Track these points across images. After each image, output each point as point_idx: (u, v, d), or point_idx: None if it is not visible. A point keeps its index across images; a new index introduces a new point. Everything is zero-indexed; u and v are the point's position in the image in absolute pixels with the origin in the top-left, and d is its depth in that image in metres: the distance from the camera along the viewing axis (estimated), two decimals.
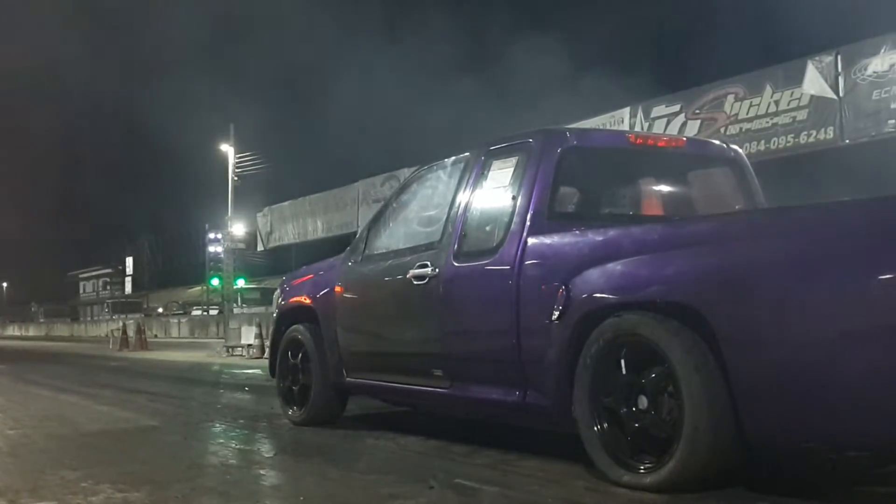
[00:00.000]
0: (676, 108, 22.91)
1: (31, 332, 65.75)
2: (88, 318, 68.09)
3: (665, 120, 23.02)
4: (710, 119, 21.85)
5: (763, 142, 20.61)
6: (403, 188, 6.53)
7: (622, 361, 4.13)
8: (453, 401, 5.53)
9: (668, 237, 4.22)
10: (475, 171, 5.44)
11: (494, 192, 5.24)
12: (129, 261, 75.02)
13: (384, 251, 6.20)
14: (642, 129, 23.16)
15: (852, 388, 3.19)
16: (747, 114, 20.94)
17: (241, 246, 38.42)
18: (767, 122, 20.51)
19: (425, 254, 5.56)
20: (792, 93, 19.92)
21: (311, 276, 7.21)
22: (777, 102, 20.28)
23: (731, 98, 21.45)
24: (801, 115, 19.76)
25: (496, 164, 5.32)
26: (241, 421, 7.58)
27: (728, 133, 21.29)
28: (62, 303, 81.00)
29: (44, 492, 4.63)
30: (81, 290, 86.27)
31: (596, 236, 4.53)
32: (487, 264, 5.03)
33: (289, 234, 37.45)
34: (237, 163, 37.12)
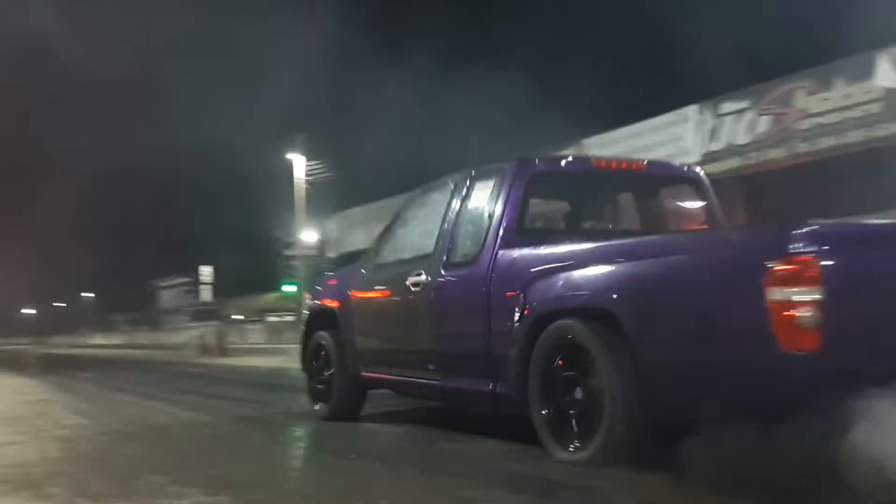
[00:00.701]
0: (745, 104, 22.41)
1: (115, 340, 67.87)
2: (168, 327, 69.89)
3: (733, 117, 22.56)
4: (780, 115, 21.31)
5: (835, 136, 20.03)
6: (407, 204, 7.27)
7: (561, 359, 4.89)
8: (443, 392, 6.32)
9: (596, 253, 4.96)
10: (462, 192, 6.21)
11: (476, 211, 6.00)
12: (206, 269, 76.75)
13: (390, 261, 7.01)
14: (710, 126, 22.78)
15: (716, 375, 4.03)
16: (818, 108, 20.37)
17: (313, 252, 38.96)
18: (839, 117, 19.92)
19: (421, 263, 6.34)
20: (864, 86, 19.31)
21: (334, 281, 8.15)
22: (849, 96, 19.68)
23: (800, 93, 20.89)
24: (875, 107, 19.13)
25: (478, 185, 6.09)
26: (319, 424, 7.67)
27: (799, 128, 20.75)
28: (143, 312, 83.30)
29: (135, 496, 4.77)
30: (161, 300, 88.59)
31: (547, 251, 5.33)
32: (467, 274, 5.82)
33: (358, 240, 37.84)
34: (307, 171, 37.68)
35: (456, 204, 6.23)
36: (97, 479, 5.29)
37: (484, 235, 5.77)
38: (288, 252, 42.32)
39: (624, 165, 6.62)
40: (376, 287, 7.09)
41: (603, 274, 4.72)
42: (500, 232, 5.64)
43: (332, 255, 39.52)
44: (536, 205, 6.27)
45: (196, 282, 78.27)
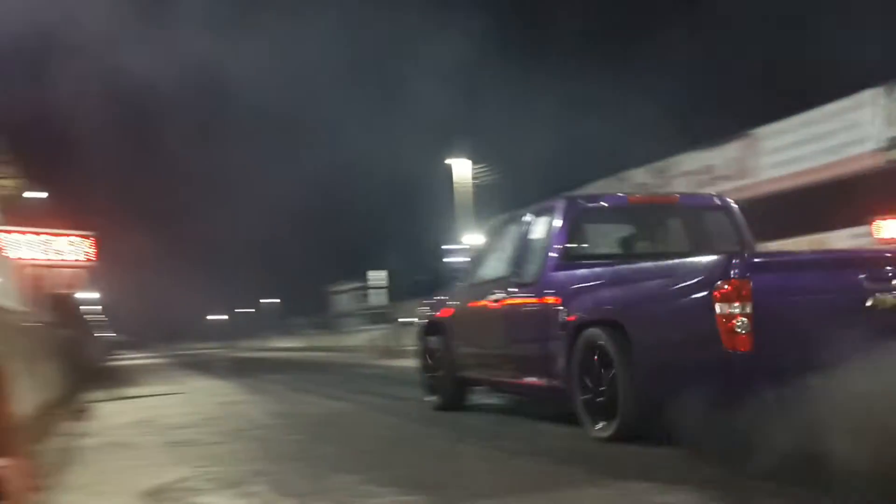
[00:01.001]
0: None
1: (296, 343, 71.10)
2: (344, 330, 72.46)
3: None
4: None
5: None
6: (492, 232, 8.94)
7: (593, 359, 6.18)
8: (518, 388, 7.80)
9: (612, 276, 6.46)
10: (527, 224, 7.71)
11: (536, 241, 7.46)
12: (379, 274, 79.06)
13: (479, 281, 8.48)
14: (891, 110, 21.06)
15: (683, 369, 5.40)
16: None
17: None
18: None
19: (499, 283, 7.84)
20: None
21: (444, 297, 9.41)
22: None
23: None
24: None
25: (539, 220, 7.54)
26: (501, 426, 7.68)
27: None
28: (321, 316, 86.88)
29: (330, 494, 4.94)
30: (336, 304, 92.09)
31: (582, 274, 6.77)
32: (529, 292, 7.30)
33: None
34: (473, 174, 38.05)
35: (522, 234, 7.72)
36: (295, 478, 5.52)
37: (541, 261, 7.25)
38: (450, 256, 42.84)
39: (657, 199, 8.57)
40: (469, 302, 8.61)
41: (615, 292, 6.27)
42: (551, 258, 7.13)
43: None
44: (583, 234, 7.66)
45: (366, 286, 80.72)
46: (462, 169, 38.26)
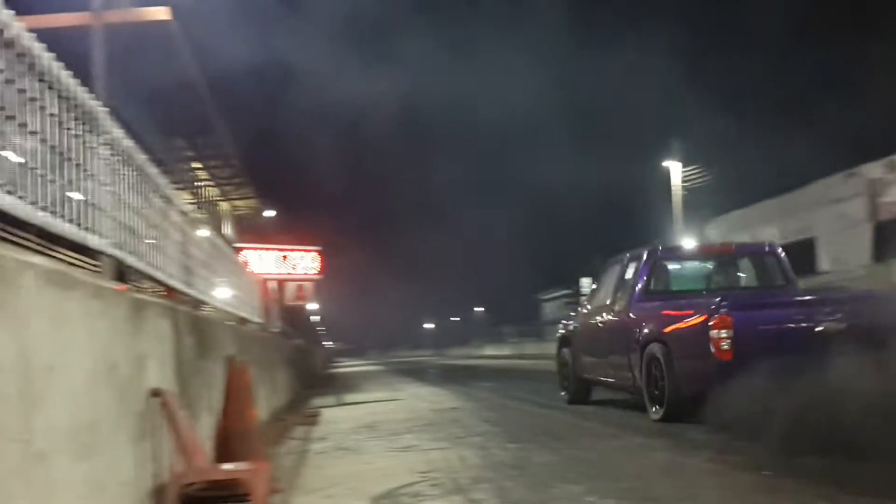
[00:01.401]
0: None
1: (504, 351, 71.94)
2: (551, 337, 72.31)
3: None
4: None
5: None
6: (600, 271, 11.79)
7: (653, 365, 8.79)
8: (614, 384, 10.44)
9: (663, 307, 9.29)
10: (623, 266, 10.48)
11: (628, 279, 10.12)
12: (585, 281, 78.21)
13: (592, 307, 11.46)
14: None
15: (696, 372, 8.11)
16: None
17: None
18: None
19: (604, 309, 10.79)
20: None
21: (571, 320, 12.38)
22: None
23: None
24: None
25: (631, 263, 10.25)
26: (718, 435, 7.30)
27: None
28: (528, 324, 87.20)
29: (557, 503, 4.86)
30: (544, 312, 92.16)
31: (653, 305, 9.48)
32: (621, 317, 10.01)
33: None
34: (684, 177, 36.81)
35: (620, 273, 10.50)
36: (517, 486, 5.52)
37: (630, 295, 9.98)
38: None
39: (718, 249, 11.39)
40: (584, 323, 11.56)
41: (665, 320, 8.97)
42: (636, 294, 9.86)
43: None
44: (662, 275, 10.35)
45: (577, 293, 79.98)
46: (673, 171, 37.06)
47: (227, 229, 34.02)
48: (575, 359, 11.62)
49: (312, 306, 36.77)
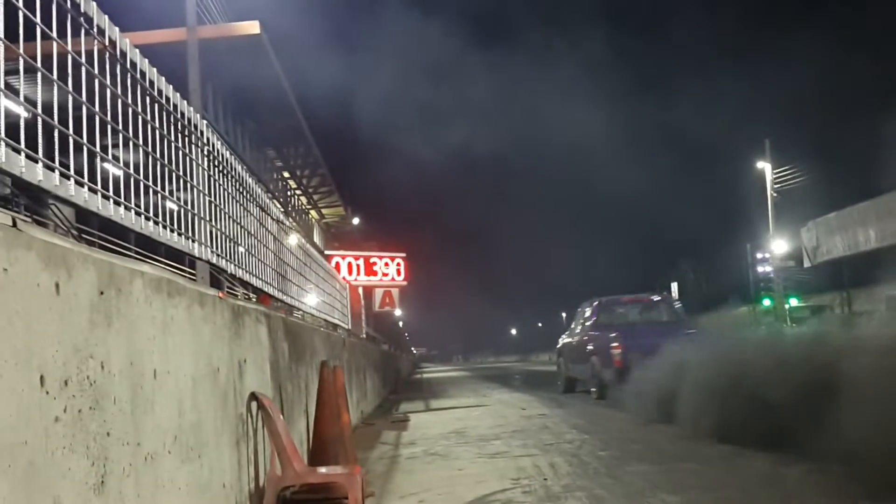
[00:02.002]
0: None
1: None
2: None
3: None
4: None
5: None
6: (577, 311, 18.81)
7: (594, 368, 15.72)
8: (583, 380, 16.78)
9: (600, 335, 15.84)
10: (585, 309, 17.81)
11: (587, 317, 17.35)
12: (674, 286, 76.75)
13: (571, 332, 18.50)
14: None
15: (609, 371, 14.73)
16: None
17: (790, 263, 36.53)
18: None
19: (575, 332, 18.08)
20: None
21: (565, 337, 19.32)
22: None
23: None
24: None
25: (588, 308, 17.51)
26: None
27: None
28: None
29: None
30: None
31: (595, 334, 16.12)
32: (582, 339, 16.99)
33: (837, 248, 34.55)
34: (775, 178, 35.74)
35: (583, 313, 17.68)
36: (612, 496, 5.42)
37: (585, 327, 17.06)
38: (762, 265, 40.27)
39: (637, 299, 17.36)
40: (568, 342, 18.28)
41: (598, 343, 15.57)
42: (588, 326, 16.88)
43: (808, 265, 36.70)
44: (608, 314, 16.67)
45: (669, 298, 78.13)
46: (766, 174, 36.01)
47: (316, 237, 34.65)
48: (564, 364, 18.37)
49: (399, 312, 37.09)
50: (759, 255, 40.88)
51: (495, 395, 19.52)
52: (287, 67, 20.93)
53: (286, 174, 28.67)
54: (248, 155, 22.82)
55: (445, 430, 10.74)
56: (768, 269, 39.04)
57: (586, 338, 16.33)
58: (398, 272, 22.88)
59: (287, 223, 7.12)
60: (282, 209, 25.19)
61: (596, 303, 16.98)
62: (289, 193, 29.52)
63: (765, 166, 35.99)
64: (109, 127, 3.01)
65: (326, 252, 23.06)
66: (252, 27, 17.77)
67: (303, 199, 32.14)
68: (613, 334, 14.70)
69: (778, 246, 37.20)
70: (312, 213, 34.69)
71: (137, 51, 3.37)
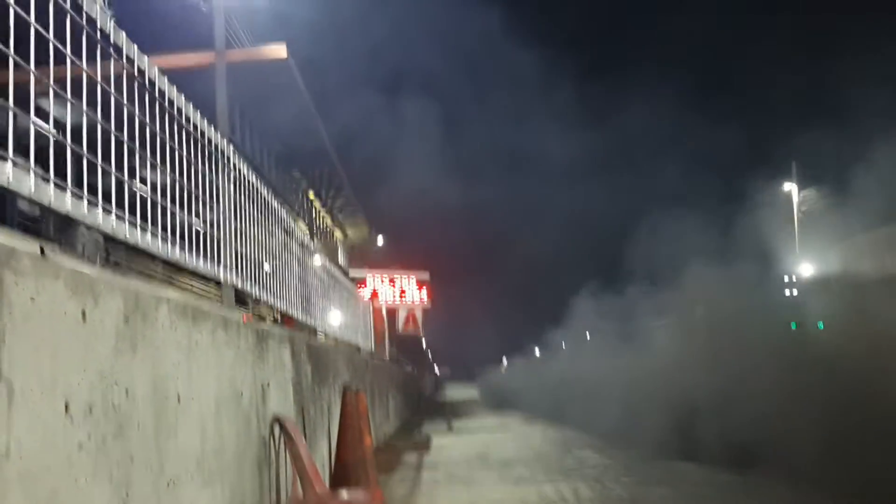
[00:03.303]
0: None
1: None
2: None
3: None
4: None
5: None
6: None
7: None
8: None
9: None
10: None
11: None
12: None
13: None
14: None
15: None
16: None
17: (815, 287, 36.03)
18: None
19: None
20: None
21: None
22: None
23: None
24: None
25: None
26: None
27: None
28: None
29: None
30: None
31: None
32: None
33: (866, 270, 34.12)
34: (802, 199, 35.37)
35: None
36: None
37: None
38: (790, 289, 39.67)
39: None
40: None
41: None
42: None
43: (838, 288, 35.98)
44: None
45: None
46: (792, 195, 35.68)
47: (340, 256, 34.79)
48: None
49: (421, 332, 37.10)
50: (786, 280, 40.26)
51: (518, 415, 19.40)
52: (313, 89, 21.12)
53: (311, 194, 28.86)
54: (274, 175, 22.98)
55: (467, 453, 10.68)
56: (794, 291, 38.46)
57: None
58: (421, 291, 22.87)
59: (311, 246, 7.15)
60: (306, 230, 25.26)
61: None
62: (314, 213, 29.71)
63: (791, 187, 35.67)
64: (137, 153, 3.05)
65: (351, 273, 23.17)
66: (279, 51, 17.93)
67: (327, 218, 32.32)
68: None
69: (805, 269, 36.76)
70: (337, 232, 34.86)
71: (165, 78, 3.41)
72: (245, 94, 18.33)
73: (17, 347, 2.03)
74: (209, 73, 15.16)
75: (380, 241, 39.30)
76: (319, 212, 30.96)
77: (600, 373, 16.55)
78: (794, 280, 37.11)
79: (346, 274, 23.43)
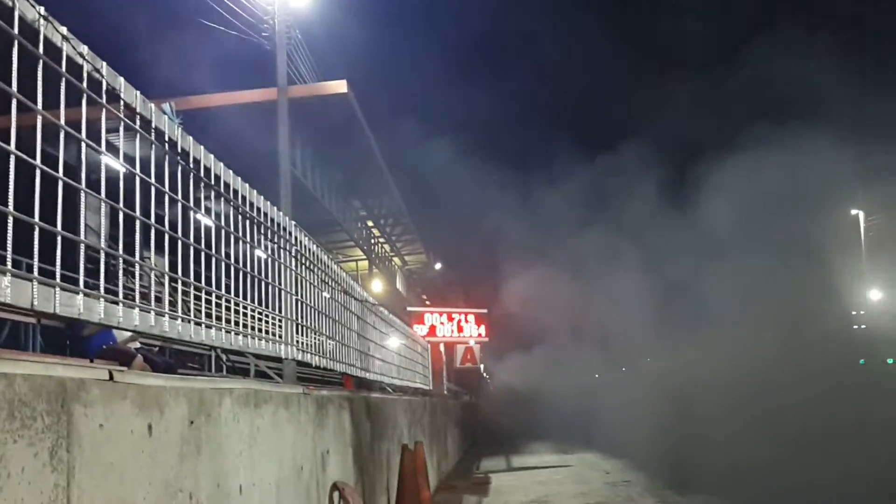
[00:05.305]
0: None
1: None
2: None
3: None
4: None
5: None
6: None
7: None
8: None
9: None
10: None
11: None
12: None
13: None
14: None
15: None
16: None
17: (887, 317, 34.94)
18: None
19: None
20: None
21: None
22: None
23: None
24: None
25: None
26: None
27: None
28: None
29: None
30: None
31: None
32: None
33: None
34: (869, 224, 34.38)
35: None
36: None
37: None
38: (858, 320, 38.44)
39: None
40: None
41: None
42: None
43: None
44: None
45: None
46: (859, 220, 34.74)
47: (399, 283, 35.00)
48: None
49: (479, 363, 37.00)
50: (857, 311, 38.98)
51: (578, 452, 19.14)
52: (373, 121, 21.38)
53: (370, 223, 29.19)
54: (334, 206, 23.31)
55: (527, 497, 10.58)
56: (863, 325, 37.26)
57: None
58: (480, 327, 22.88)
59: (370, 301, 7.20)
60: (362, 257, 25.31)
61: None
62: (372, 241, 30.03)
63: (858, 213, 34.71)
64: (203, 257, 3.12)
65: (408, 309, 23.28)
66: (340, 86, 18.23)
67: (386, 246, 32.65)
68: None
69: (873, 294, 35.66)
70: (395, 259, 35.15)
71: (231, 172, 3.48)
72: (307, 128, 18.66)
73: (85, 479, 2.09)
74: (273, 106, 15.49)
75: (438, 266, 39.45)
76: (378, 238, 31.26)
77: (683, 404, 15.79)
78: (862, 312, 35.98)
79: (404, 309, 23.58)
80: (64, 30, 2.26)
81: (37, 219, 2.12)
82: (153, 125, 2.69)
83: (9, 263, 2.01)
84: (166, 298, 2.76)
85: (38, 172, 2.15)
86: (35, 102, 2.12)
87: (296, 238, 4.44)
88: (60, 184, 2.24)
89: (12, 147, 2.04)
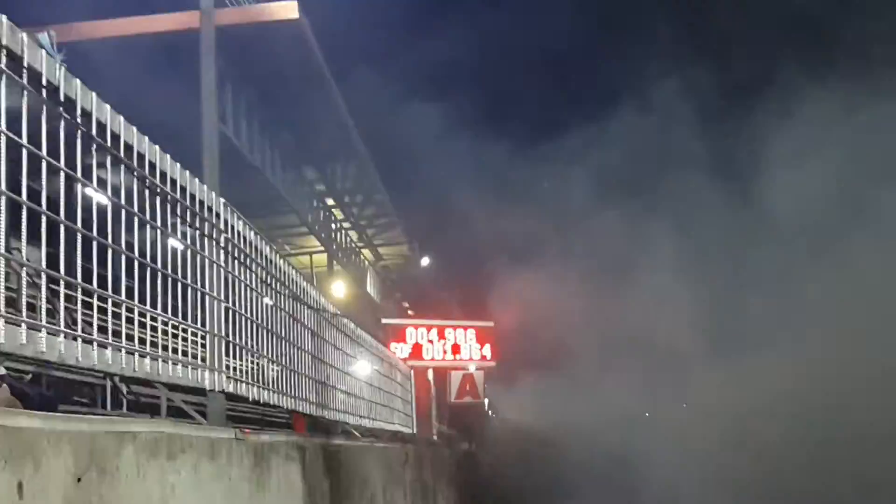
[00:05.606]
0: None
1: None
2: None
3: None
4: None
5: None
6: None
7: None
8: None
9: None
10: None
11: None
12: None
13: None
14: None
15: None
16: None
17: None
18: None
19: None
20: None
21: None
22: None
23: None
24: None
25: None
26: None
27: None
28: None
29: None
30: None
31: None
32: None
33: None
34: None
35: None
36: None
37: None
38: None
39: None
40: None
41: None
42: None
43: None
44: None
45: None
46: None
47: (370, 286, 34.96)
48: None
49: (482, 397, 37.01)
50: None
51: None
52: (336, 61, 21.31)
53: (330, 201, 28.96)
54: (280, 177, 23.23)
55: None
56: None
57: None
58: (483, 347, 22.64)
59: (330, 309, 7.21)
60: (319, 248, 25.33)
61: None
62: (333, 227, 29.84)
63: None
64: (96, 248, 3.12)
65: (384, 321, 23.19)
66: (289, 9, 18.16)
67: (352, 233, 32.43)
68: None
69: None
70: (365, 252, 35.00)
71: (134, 130, 3.47)
72: (242, 68, 18.60)
73: None
74: (194, 39, 15.42)
75: (425, 261, 39.22)
76: (342, 223, 31.11)
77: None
78: None
79: (376, 313, 23.48)
80: None
81: None
82: (25, 63, 2.69)
83: None
84: (43, 306, 2.76)
85: None
86: None
87: (226, 222, 4.44)
88: None
89: None
